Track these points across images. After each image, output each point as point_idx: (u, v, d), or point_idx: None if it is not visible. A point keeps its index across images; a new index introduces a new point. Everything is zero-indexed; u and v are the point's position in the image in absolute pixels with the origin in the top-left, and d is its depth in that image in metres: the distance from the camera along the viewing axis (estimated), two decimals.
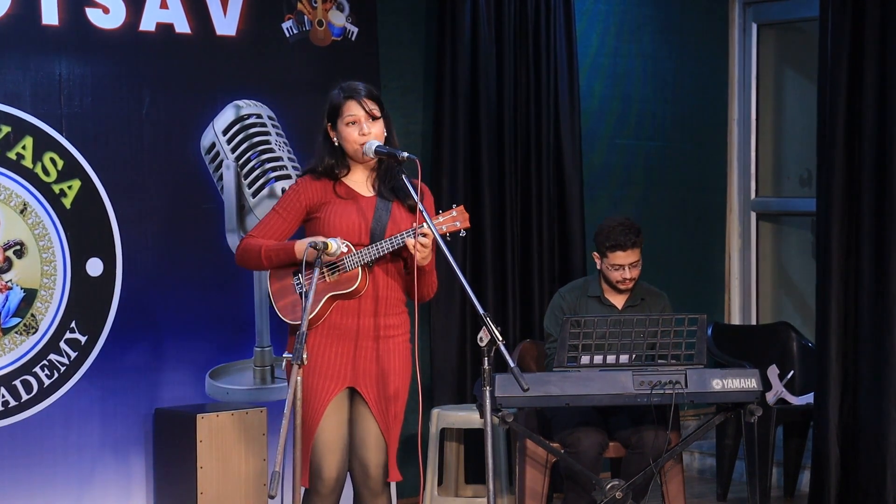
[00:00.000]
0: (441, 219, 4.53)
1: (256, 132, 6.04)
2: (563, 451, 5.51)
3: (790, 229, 8.07)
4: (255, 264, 4.67)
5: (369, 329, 4.59)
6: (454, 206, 4.58)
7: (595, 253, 5.85)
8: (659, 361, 5.36)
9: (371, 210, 4.61)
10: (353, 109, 4.59)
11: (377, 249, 4.53)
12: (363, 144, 4.57)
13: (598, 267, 5.85)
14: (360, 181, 4.67)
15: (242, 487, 5.69)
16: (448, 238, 4.50)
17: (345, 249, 4.51)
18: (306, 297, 4.33)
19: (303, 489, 4.60)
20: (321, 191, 4.63)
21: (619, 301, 5.86)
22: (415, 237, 4.46)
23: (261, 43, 6.06)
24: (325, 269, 4.55)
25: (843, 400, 6.08)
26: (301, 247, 4.49)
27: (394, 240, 4.52)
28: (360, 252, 4.53)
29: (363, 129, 4.57)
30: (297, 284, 4.59)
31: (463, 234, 4.56)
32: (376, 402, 4.61)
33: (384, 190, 4.64)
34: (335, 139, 4.63)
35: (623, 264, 5.76)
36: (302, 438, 4.50)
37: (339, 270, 4.55)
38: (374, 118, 4.60)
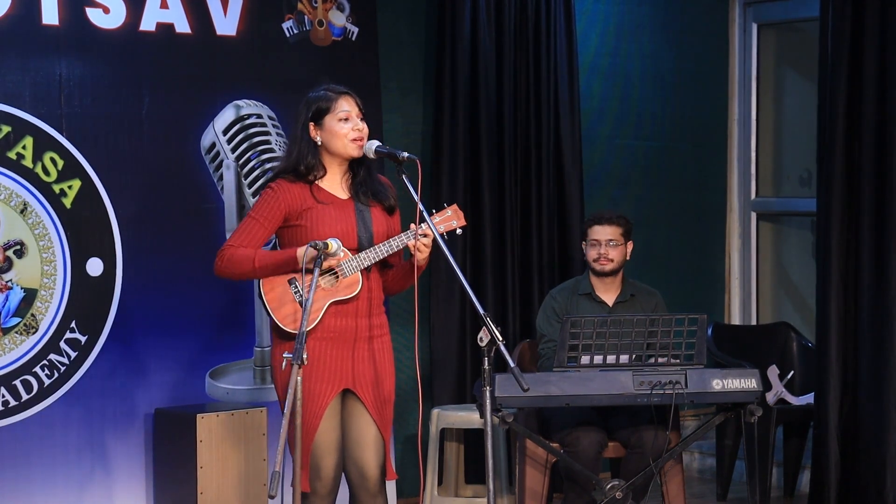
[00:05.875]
0: (437, 219, 4.52)
1: (256, 132, 6.05)
2: (562, 450, 5.51)
3: (790, 229, 8.07)
4: (247, 273, 4.55)
5: (364, 330, 4.58)
6: (445, 204, 4.56)
7: (583, 242, 5.89)
8: (659, 361, 5.36)
9: (352, 213, 4.58)
10: (348, 105, 4.57)
11: (376, 253, 4.51)
12: (356, 140, 4.54)
13: (584, 257, 5.88)
14: (334, 184, 4.62)
15: (242, 487, 5.69)
16: (446, 237, 4.49)
17: (342, 254, 4.47)
18: (307, 297, 4.31)
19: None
20: (300, 196, 4.56)
21: (609, 297, 5.87)
22: (415, 238, 4.46)
23: (261, 43, 6.06)
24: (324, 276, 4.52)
25: (843, 400, 6.08)
26: (303, 253, 4.40)
27: (393, 242, 4.50)
28: (359, 257, 4.50)
29: (357, 125, 4.55)
30: (296, 292, 4.53)
31: (460, 231, 4.55)
32: (373, 402, 4.60)
33: (360, 193, 4.61)
34: (317, 138, 4.59)
35: (600, 239, 5.79)
36: (302, 442, 4.50)
37: (337, 276, 4.52)
38: (362, 118, 4.60)
